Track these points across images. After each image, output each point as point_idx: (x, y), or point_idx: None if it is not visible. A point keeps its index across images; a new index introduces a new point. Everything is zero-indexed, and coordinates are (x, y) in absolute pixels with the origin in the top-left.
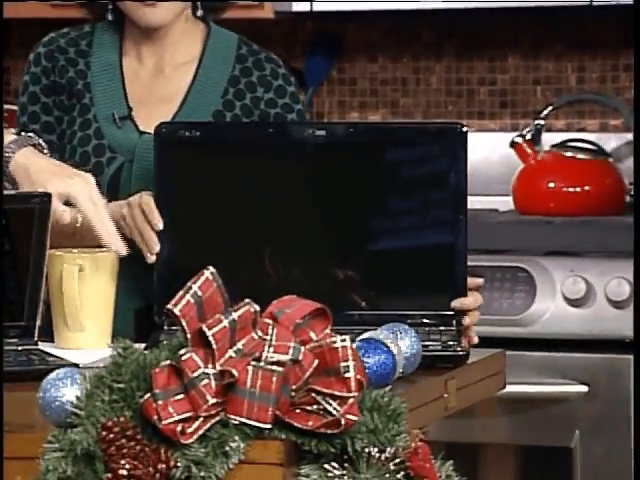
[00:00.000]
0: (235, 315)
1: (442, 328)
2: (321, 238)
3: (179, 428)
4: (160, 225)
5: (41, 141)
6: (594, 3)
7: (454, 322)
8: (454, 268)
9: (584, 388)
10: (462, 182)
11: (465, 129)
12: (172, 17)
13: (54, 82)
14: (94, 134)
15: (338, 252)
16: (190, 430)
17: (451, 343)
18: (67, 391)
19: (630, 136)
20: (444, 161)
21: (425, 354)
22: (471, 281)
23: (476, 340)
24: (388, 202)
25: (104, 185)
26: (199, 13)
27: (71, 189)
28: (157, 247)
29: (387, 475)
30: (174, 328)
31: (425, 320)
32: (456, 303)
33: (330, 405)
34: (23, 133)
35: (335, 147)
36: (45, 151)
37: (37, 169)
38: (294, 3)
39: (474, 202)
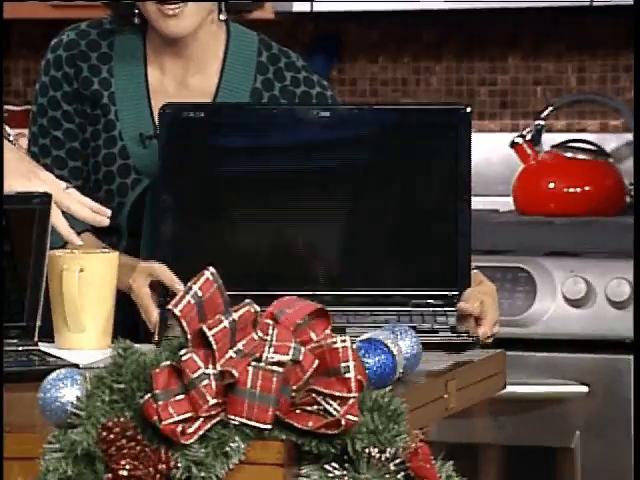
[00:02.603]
0: (235, 315)
1: (447, 309)
2: (325, 220)
3: (179, 428)
4: (182, 289)
5: (7, 128)
6: (594, 4)
7: (455, 302)
8: (458, 249)
9: (584, 388)
10: (466, 162)
11: (469, 109)
12: (196, 26)
13: (77, 91)
14: (119, 153)
15: (339, 234)
16: (190, 430)
17: (459, 327)
18: (67, 391)
19: (630, 136)
20: (447, 141)
21: (435, 340)
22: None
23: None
24: (391, 183)
25: (127, 207)
26: (222, 17)
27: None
28: (155, 313)
29: (387, 476)
30: None
31: (430, 301)
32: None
33: (330, 405)
34: None
35: (339, 128)
36: (10, 138)
37: None
38: (294, 3)
39: (474, 202)
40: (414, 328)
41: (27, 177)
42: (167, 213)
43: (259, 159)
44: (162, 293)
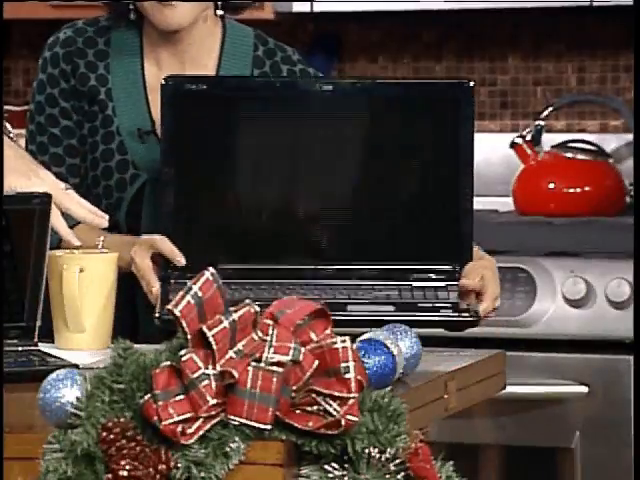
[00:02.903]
0: (235, 316)
1: (448, 283)
2: (326, 190)
3: (179, 429)
4: (183, 261)
5: (8, 125)
6: (594, 4)
7: (457, 277)
8: (459, 223)
9: (584, 389)
10: (468, 137)
11: (472, 84)
12: (191, 19)
13: (74, 87)
14: (117, 149)
15: (340, 208)
16: (190, 431)
17: (461, 304)
18: (67, 392)
19: (630, 137)
20: (450, 116)
21: (436, 319)
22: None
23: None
24: (394, 156)
25: (126, 203)
26: (219, 13)
27: (30, 190)
28: (157, 285)
29: (387, 476)
30: (181, 281)
31: (431, 275)
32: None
33: (330, 406)
34: None
35: (341, 102)
36: (11, 135)
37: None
38: (294, 4)
39: (474, 202)
40: (415, 305)
41: (27, 176)
42: (169, 186)
43: (261, 131)
44: (164, 266)
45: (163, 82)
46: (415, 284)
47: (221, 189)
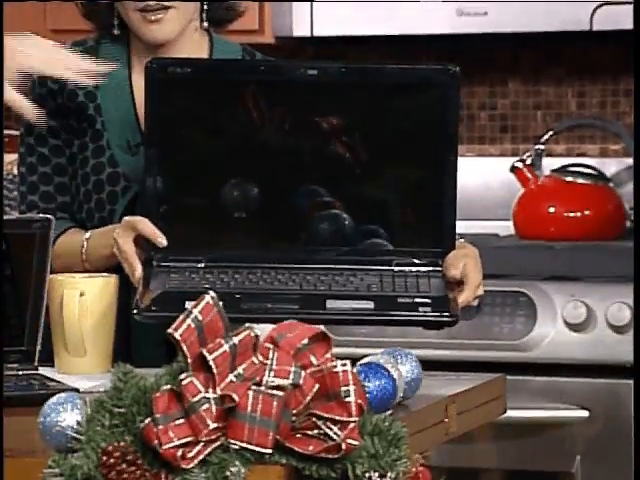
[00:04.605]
0: (236, 340)
1: (430, 269)
2: (310, 176)
3: (179, 453)
4: (164, 242)
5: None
6: (594, 29)
7: (440, 262)
8: (443, 210)
9: (585, 413)
10: (453, 123)
11: (457, 69)
12: (177, 32)
13: (62, 105)
14: (108, 162)
15: (325, 189)
16: (191, 455)
17: (442, 301)
18: (67, 416)
19: (630, 161)
20: (435, 102)
21: (415, 318)
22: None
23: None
24: (378, 141)
25: (118, 215)
26: (204, 25)
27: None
28: (139, 268)
29: None
30: (164, 264)
31: (414, 260)
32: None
33: (331, 430)
34: None
35: (326, 86)
36: None
37: None
38: (295, 28)
39: (474, 227)
40: (395, 301)
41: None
42: (153, 168)
43: (245, 115)
44: (147, 249)
45: (147, 64)
46: (396, 269)
47: (204, 171)
